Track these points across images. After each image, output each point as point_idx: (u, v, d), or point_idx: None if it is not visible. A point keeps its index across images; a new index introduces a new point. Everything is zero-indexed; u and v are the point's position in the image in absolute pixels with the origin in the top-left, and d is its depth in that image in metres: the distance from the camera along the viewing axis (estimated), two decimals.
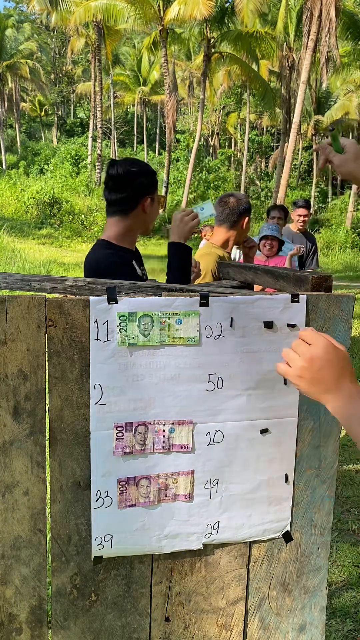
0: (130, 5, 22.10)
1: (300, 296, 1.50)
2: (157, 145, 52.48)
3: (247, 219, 3.00)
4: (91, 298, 1.39)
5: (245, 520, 1.57)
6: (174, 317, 1.42)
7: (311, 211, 6.56)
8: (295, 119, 19.69)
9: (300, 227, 5.75)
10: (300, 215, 5.71)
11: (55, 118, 53.43)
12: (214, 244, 3.01)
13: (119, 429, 1.43)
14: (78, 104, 59.41)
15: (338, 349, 1.05)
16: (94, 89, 30.63)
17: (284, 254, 5.14)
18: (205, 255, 2.91)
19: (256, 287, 2.12)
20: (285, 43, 24.76)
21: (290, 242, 5.42)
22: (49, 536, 1.50)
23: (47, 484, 1.45)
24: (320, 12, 18.38)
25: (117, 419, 1.43)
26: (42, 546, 1.46)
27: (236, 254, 6.05)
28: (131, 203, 2.14)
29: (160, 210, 2.35)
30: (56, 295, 1.53)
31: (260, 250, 4.57)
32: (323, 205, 36.25)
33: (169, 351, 1.43)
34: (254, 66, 26.34)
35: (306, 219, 5.80)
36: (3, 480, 1.42)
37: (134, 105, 47.86)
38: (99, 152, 29.26)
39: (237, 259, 2.80)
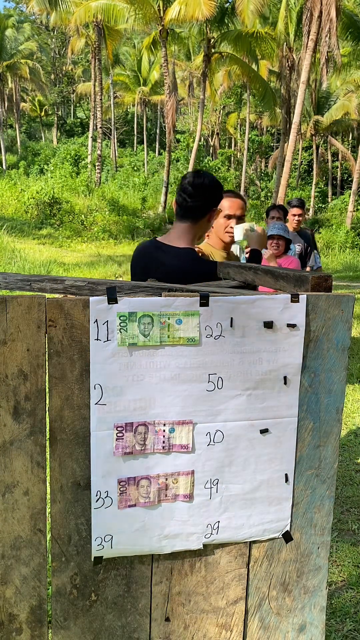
0: (130, 5, 22.10)
1: (300, 296, 1.50)
2: (157, 145, 52.49)
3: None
4: (91, 298, 1.39)
5: (245, 520, 1.57)
6: (174, 317, 1.42)
7: (306, 210, 6.54)
8: (295, 119, 19.68)
9: (295, 227, 5.76)
10: (294, 215, 5.72)
11: (55, 118, 53.43)
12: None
13: (119, 429, 1.43)
14: (78, 104, 59.42)
15: None
16: (94, 89, 30.63)
17: (292, 253, 5.13)
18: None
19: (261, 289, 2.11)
20: (285, 43, 24.76)
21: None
22: (49, 536, 1.50)
23: (47, 484, 1.45)
24: (320, 12, 18.38)
25: (117, 419, 1.43)
26: (42, 546, 1.46)
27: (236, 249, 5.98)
28: (202, 211, 2.27)
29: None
30: (56, 295, 1.53)
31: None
32: (323, 205, 36.25)
33: (169, 351, 1.43)
34: (254, 66, 26.34)
35: (301, 218, 5.81)
36: (3, 480, 1.42)
37: (134, 106, 47.86)
38: (99, 152, 29.26)
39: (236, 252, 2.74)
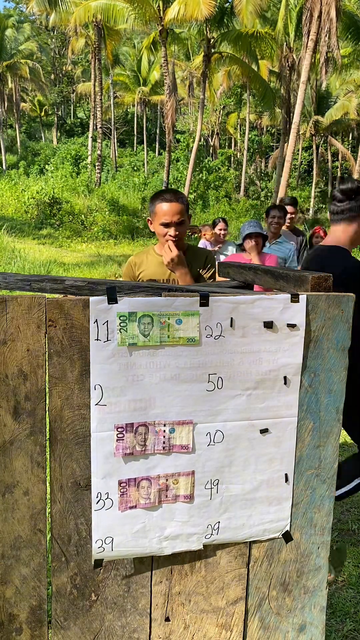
0: (129, 5, 22.08)
1: (300, 296, 1.50)
2: (157, 145, 52.48)
3: (147, 219, 2.71)
4: (91, 298, 1.39)
5: (245, 520, 1.57)
6: (174, 317, 1.42)
7: (298, 209, 6.57)
8: (295, 119, 19.67)
9: (288, 225, 5.79)
10: (287, 213, 5.73)
11: (55, 118, 53.42)
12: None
13: (119, 429, 1.43)
14: (78, 104, 59.41)
15: None
16: (94, 89, 30.62)
17: (282, 252, 5.13)
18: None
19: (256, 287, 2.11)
20: (285, 43, 24.76)
21: (287, 241, 5.42)
22: (49, 536, 1.50)
23: (47, 484, 1.45)
24: (320, 12, 18.37)
25: (117, 420, 1.43)
26: (42, 546, 1.46)
27: (234, 249, 5.98)
28: (357, 210, 2.52)
29: None
30: (56, 296, 1.53)
31: (244, 249, 4.54)
32: (323, 205, 36.23)
33: (169, 351, 1.43)
34: (254, 66, 26.34)
35: (293, 216, 5.83)
36: (3, 480, 1.42)
37: (134, 106, 47.85)
38: (99, 152, 29.24)
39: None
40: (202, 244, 6.95)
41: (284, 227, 5.69)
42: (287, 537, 1.61)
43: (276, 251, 5.16)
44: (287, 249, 5.23)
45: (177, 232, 2.52)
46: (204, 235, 7.24)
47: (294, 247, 5.33)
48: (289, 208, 5.77)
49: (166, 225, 2.52)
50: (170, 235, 2.52)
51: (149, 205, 2.62)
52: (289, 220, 5.78)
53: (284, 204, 5.88)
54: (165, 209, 2.51)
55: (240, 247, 4.73)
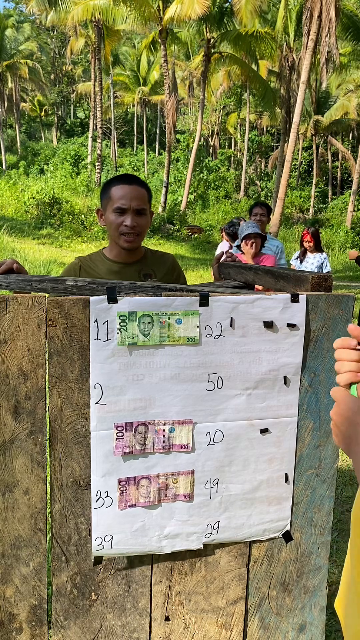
0: (129, 5, 22.09)
1: (300, 296, 1.50)
2: (157, 145, 52.48)
3: (97, 210, 2.10)
4: (91, 298, 1.39)
5: (245, 520, 1.57)
6: (174, 317, 1.42)
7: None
8: (295, 119, 19.67)
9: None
10: (256, 214, 5.66)
11: (55, 118, 53.41)
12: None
13: (119, 428, 1.43)
14: (78, 104, 59.40)
15: None
16: (94, 89, 30.61)
17: (270, 250, 5.11)
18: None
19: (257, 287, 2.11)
20: (285, 43, 24.77)
21: (274, 239, 5.39)
22: (49, 536, 1.50)
23: (47, 484, 1.45)
24: (320, 12, 18.37)
25: (117, 419, 1.43)
26: (42, 545, 1.46)
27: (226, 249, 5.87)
28: None
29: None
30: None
31: (242, 250, 4.54)
32: (323, 205, 36.25)
33: (169, 351, 1.43)
34: (254, 66, 26.34)
35: (264, 218, 5.73)
36: (3, 480, 1.42)
37: (134, 106, 47.87)
38: (99, 152, 29.23)
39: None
40: (223, 245, 6.80)
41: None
42: (287, 537, 1.61)
43: (265, 249, 5.14)
44: (275, 246, 5.21)
45: (135, 224, 1.96)
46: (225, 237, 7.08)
47: (281, 245, 5.30)
48: (255, 208, 5.66)
49: (122, 211, 1.96)
50: (125, 226, 1.96)
51: (101, 194, 2.06)
52: (258, 222, 5.68)
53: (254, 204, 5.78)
54: (122, 193, 1.96)
55: (238, 248, 4.73)
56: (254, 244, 4.45)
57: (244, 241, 4.50)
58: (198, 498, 1.52)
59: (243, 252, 4.56)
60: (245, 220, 5.98)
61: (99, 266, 2.07)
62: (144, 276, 2.07)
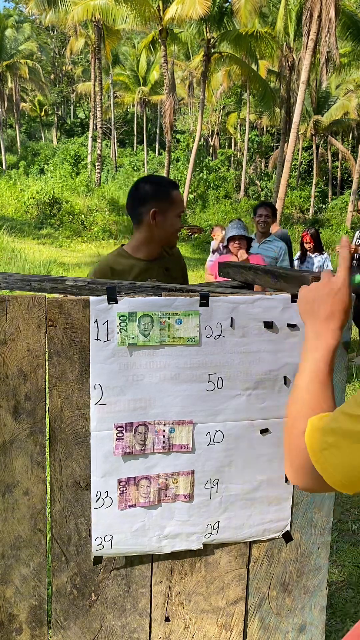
0: (129, 5, 22.08)
1: None
2: (157, 145, 52.49)
3: (152, 211, 2.12)
4: (91, 298, 1.39)
5: (245, 520, 1.57)
6: (174, 317, 1.42)
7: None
8: (295, 119, 19.67)
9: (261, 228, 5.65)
10: (260, 215, 5.61)
11: (55, 118, 53.42)
12: (124, 248, 2.26)
13: (119, 429, 1.43)
14: (78, 104, 59.41)
15: (337, 295, 1.11)
16: (94, 89, 30.62)
17: (272, 251, 5.10)
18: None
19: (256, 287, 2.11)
20: (285, 43, 24.77)
21: (278, 239, 5.34)
22: (49, 536, 1.50)
23: (47, 484, 1.45)
24: (320, 12, 18.37)
25: (117, 419, 1.43)
26: (42, 546, 1.46)
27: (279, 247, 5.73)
28: None
29: None
30: (56, 295, 1.53)
31: (230, 251, 4.53)
32: (323, 205, 36.25)
33: (169, 351, 1.43)
34: (254, 66, 26.35)
35: (268, 219, 5.68)
36: (3, 480, 1.42)
37: (133, 105, 47.87)
38: (99, 152, 29.24)
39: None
40: (214, 244, 6.84)
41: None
42: (287, 537, 1.61)
43: (266, 250, 5.11)
44: (278, 247, 5.18)
45: None
46: (214, 235, 7.14)
47: (284, 246, 5.27)
48: (259, 209, 5.63)
49: (180, 216, 2.18)
50: (179, 229, 2.21)
51: (153, 192, 2.12)
52: (263, 224, 5.64)
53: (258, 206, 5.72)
54: (181, 199, 2.18)
55: (225, 248, 4.74)
56: (239, 245, 4.45)
57: (230, 243, 4.51)
58: (198, 498, 1.52)
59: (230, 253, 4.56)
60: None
61: (123, 263, 2.17)
62: (166, 270, 2.25)
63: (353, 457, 0.84)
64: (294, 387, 1.08)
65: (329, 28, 18.34)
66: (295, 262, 6.73)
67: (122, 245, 2.26)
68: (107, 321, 1.39)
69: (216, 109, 41.36)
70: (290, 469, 1.00)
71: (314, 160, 36.30)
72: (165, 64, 23.96)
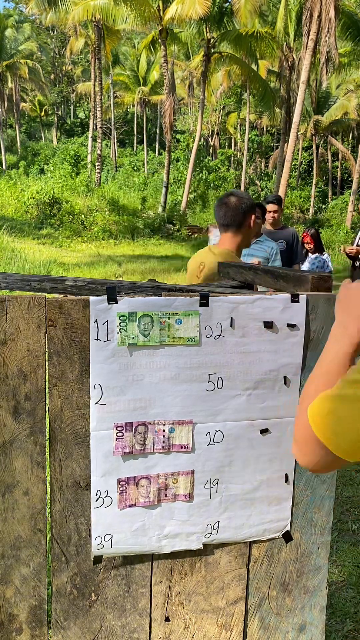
0: (129, 5, 22.08)
1: (300, 296, 1.50)
2: (157, 145, 52.49)
3: (252, 217, 2.85)
4: (91, 298, 1.39)
5: (245, 520, 1.57)
6: (174, 317, 1.42)
7: (283, 206, 6.36)
8: (295, 119, 19.68)
9: (271, 224, 5.66)
10: (269, 212, 5.61)
11: (55, 118, 53.42)
12: (231, 250, 2.78)
13: (118, 428, 1.43)
14: (78, 104, 59.41)
15: None
16: (94, 89, 30.61)
17: (264, 252, 5.09)
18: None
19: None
20: (285, 43, 24.77)
21: (269, 239, 5.34)
22: (49, 536, 1.50)
23: (47, 484, 1.45)
24: (320, 12, 18.38)
25: (117, 419, 1.43)
26: (42, 546, 1.46)
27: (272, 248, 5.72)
28: None
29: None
30: (56, 296, 1.53)
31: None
32: (323, 205, 36.25)
33: (169, 351, 1.43)
34: (254, 66, 26.35)
35: (276, 215, 5.65)
36: (3, 480, 1.42)
37: (133, 105, 47.87)
38: (99, 152, 29.24)
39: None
40: (212, 242, 6.85)
41: (264, 226, 5.58)
42: (287, 537, 1.61)
43: (257, 250, 5.10)
44: (269, 247, 5.17)
45: None
46: (209, 234, 7.19)
47: (276, 246, 5.26)
48: (271, 206, 5.61)
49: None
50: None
51: (256, 204, 2.97)
52: (271, 219, 5.65)
53: (267, 201, 5.73)
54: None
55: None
56: None
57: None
58: (198, 498, 1.52)
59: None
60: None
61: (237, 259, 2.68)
62: None
63: (353, 420, 0.84)
64: (314, 368, 1.09)
65: (328, 28, 18.34)
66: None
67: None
68: (107, 321, 1.39)
69: (216, 109, 41.35)
70: (295, 445, 1.00)
71: (314, 160, 36.30)
72: (165, 64, 23.96)
